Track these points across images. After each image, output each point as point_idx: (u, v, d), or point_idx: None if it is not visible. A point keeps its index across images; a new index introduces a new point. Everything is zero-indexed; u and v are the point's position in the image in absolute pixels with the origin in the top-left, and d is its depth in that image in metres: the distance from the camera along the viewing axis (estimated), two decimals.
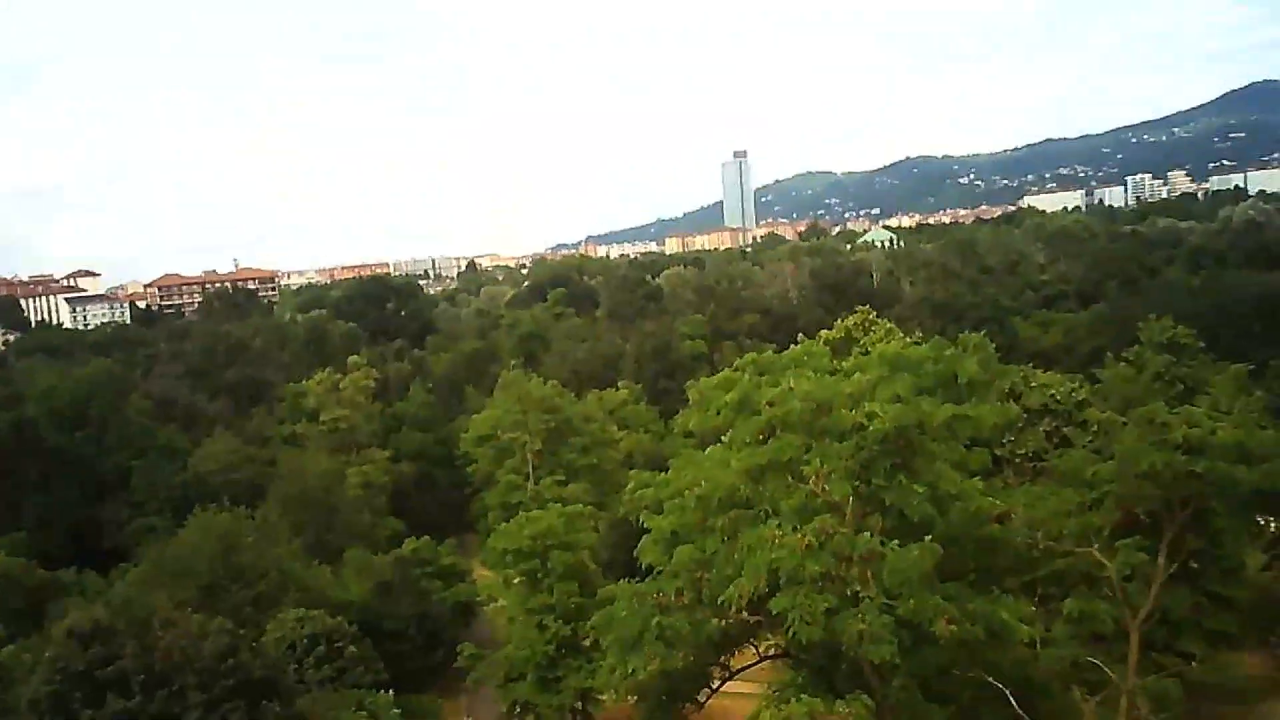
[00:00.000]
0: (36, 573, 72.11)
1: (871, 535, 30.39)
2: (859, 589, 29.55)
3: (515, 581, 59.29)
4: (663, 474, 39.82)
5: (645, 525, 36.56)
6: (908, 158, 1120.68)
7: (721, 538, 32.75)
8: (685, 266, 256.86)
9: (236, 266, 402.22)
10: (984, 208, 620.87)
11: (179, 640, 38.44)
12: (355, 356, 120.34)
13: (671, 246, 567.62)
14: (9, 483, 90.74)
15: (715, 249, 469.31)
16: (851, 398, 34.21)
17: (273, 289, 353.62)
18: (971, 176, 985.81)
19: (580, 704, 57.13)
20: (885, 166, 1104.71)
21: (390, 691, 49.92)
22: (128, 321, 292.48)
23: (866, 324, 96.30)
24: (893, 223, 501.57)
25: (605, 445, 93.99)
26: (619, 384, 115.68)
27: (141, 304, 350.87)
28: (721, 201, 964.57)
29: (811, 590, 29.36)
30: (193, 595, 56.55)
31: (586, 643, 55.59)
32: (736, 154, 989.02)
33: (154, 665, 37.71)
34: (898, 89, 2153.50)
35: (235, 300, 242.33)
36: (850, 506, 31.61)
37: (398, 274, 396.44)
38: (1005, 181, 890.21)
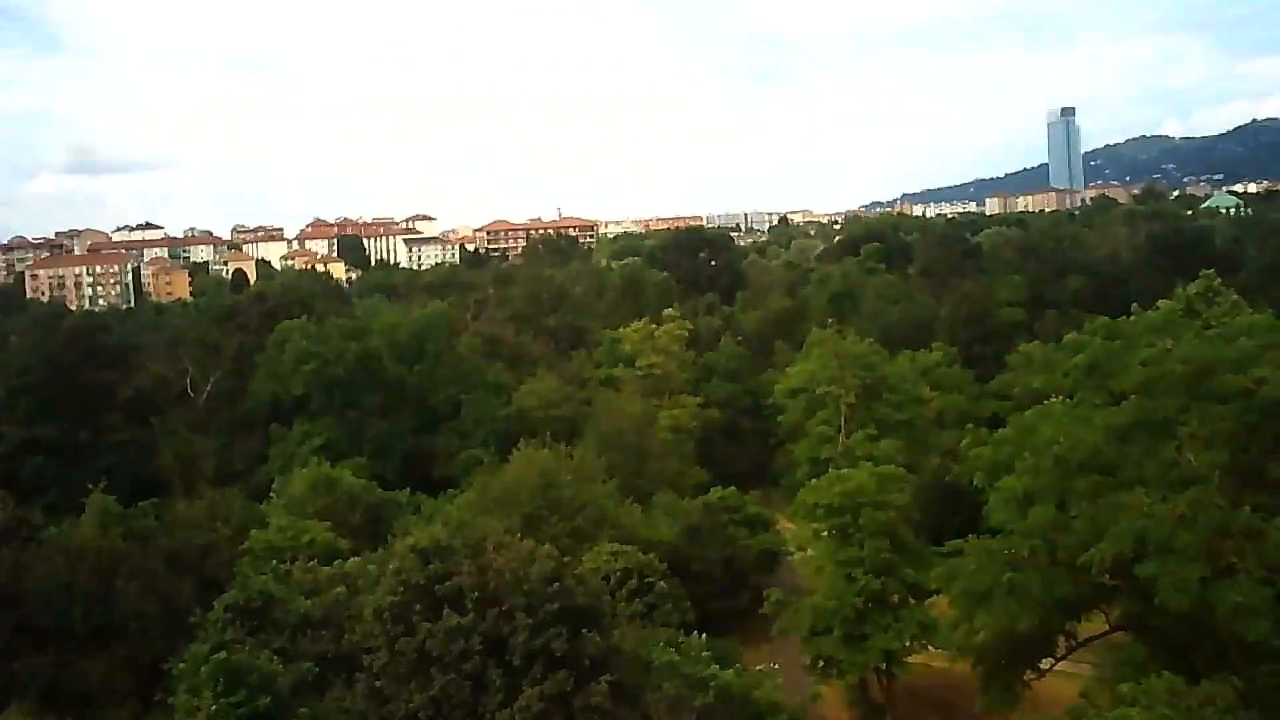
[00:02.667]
0: (376, 492, 77.51)
1: (1252, 510, 27.89)
2: (1235, 561, 27.26)
3: (824, 535, 58.98)
4: (998, 431, 38.20)
5: (977, 485, 35.23)
6: (1254, 121, 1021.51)
7: (1081, 502, 30.94)
8: (1008, 226, 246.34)
9: (559, 214, 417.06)
10: None
11: (510, 562, 40.22)
12: (669, 310, 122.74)
13: (992, 207, 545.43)
14: (354, 411, 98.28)
15: (1040, 210, 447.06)
16: (1236, 363, 31.45)
17: (592, 237, 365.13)
18: None
19: (885, 664, 56.42)
20: (1229, 132, 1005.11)
21: (703, 635, 50.63)
22: (458, 262, 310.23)
23: (1210, 293, 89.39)
24: (1238, 189, 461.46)
25: (918, 403, 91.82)
26: (932, 346, 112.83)
27: (470, 247, 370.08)
28: (1046, 164, 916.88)
29: (1183, 559, 27.29)
30: (516, 524, 58.98)
31: (895, 599, 54.99)
32: (1064, 111, 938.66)
33: (487, 584, 39.54)
34: (1242, 46, 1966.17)
35: (558, 246, 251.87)
36: (1217, 476, 29.19)
37: (710, 226, 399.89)
38: None
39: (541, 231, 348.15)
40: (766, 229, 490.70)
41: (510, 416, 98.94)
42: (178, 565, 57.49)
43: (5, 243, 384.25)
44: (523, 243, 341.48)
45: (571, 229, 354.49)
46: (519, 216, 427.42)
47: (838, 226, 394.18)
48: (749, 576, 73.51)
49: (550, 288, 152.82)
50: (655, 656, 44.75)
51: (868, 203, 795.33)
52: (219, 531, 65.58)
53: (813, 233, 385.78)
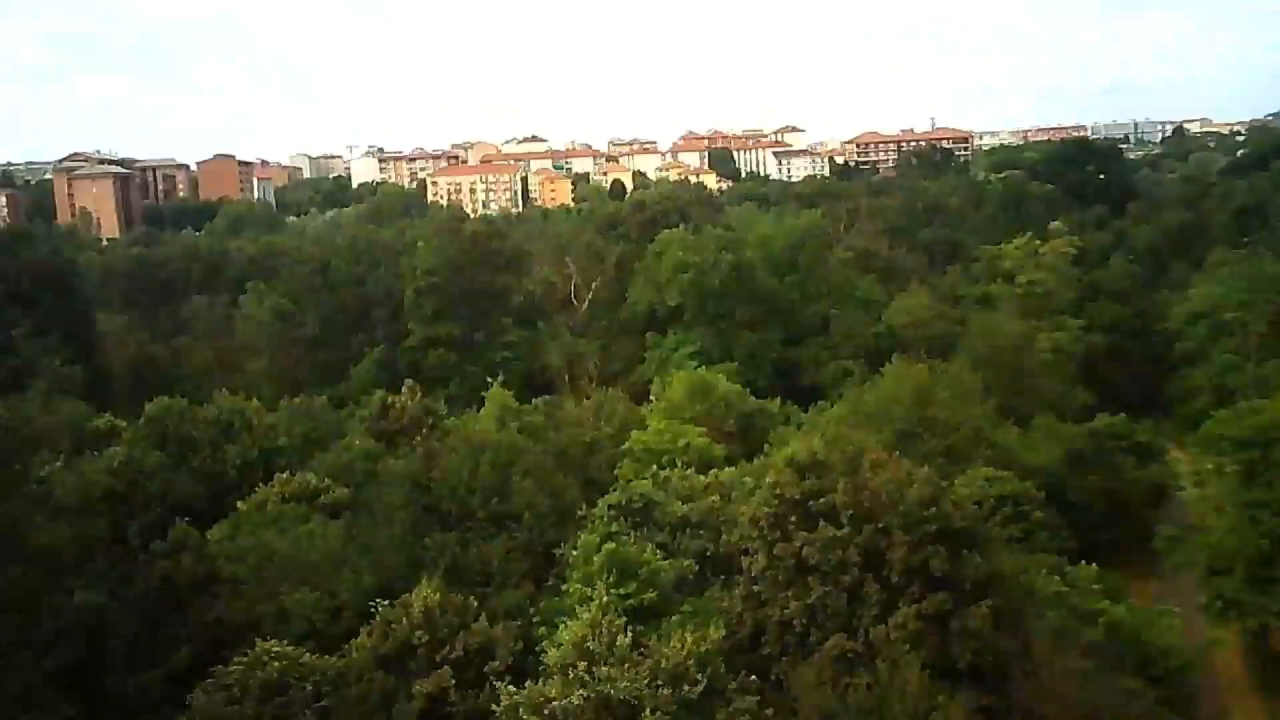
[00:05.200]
0: (749, 399, 78.68)
1: None
2: None
3: (1228, 470, 54.63)
4: None
5: None
6: None
7: None
8: None
9: (933, 126, 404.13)
10: None
11: (887, 482, 39.68)
12: (1056, 224, 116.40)
13: None
14: (725, 321, 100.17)
15: None
16: None
17: (966, 149, 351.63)
18: None
19: None
20: None
21: (1092, 565, 48.37)
22: (827, 175, 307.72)
23: None
24: None
25: None
26: None
27: (839, 159, 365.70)
28: None
29: None
30: (889, 439, 58.18)
31: None
32: None
33: (862, 501, 39.20)
34: None
35: (931, 159, 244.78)
36: None
37: (1095, 137, 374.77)
38: None
39: (913, 143, 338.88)
40: (1159, 139, 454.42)
41: (879, 333, 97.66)
42: (565, 463, 61.04)
43: (408, 153, 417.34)
44: (893, 155, 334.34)
45: (945, 141, 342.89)
46: (889, 128, 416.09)
47: (1241, 138, 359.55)
48: (1131, 510, 69.55)
49: (925, 199, 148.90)
50: (1040, 585, 43.19)
51: (1277, 110, 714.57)
52: (601, 430, 69.07)
53: (1212, 144, 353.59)
